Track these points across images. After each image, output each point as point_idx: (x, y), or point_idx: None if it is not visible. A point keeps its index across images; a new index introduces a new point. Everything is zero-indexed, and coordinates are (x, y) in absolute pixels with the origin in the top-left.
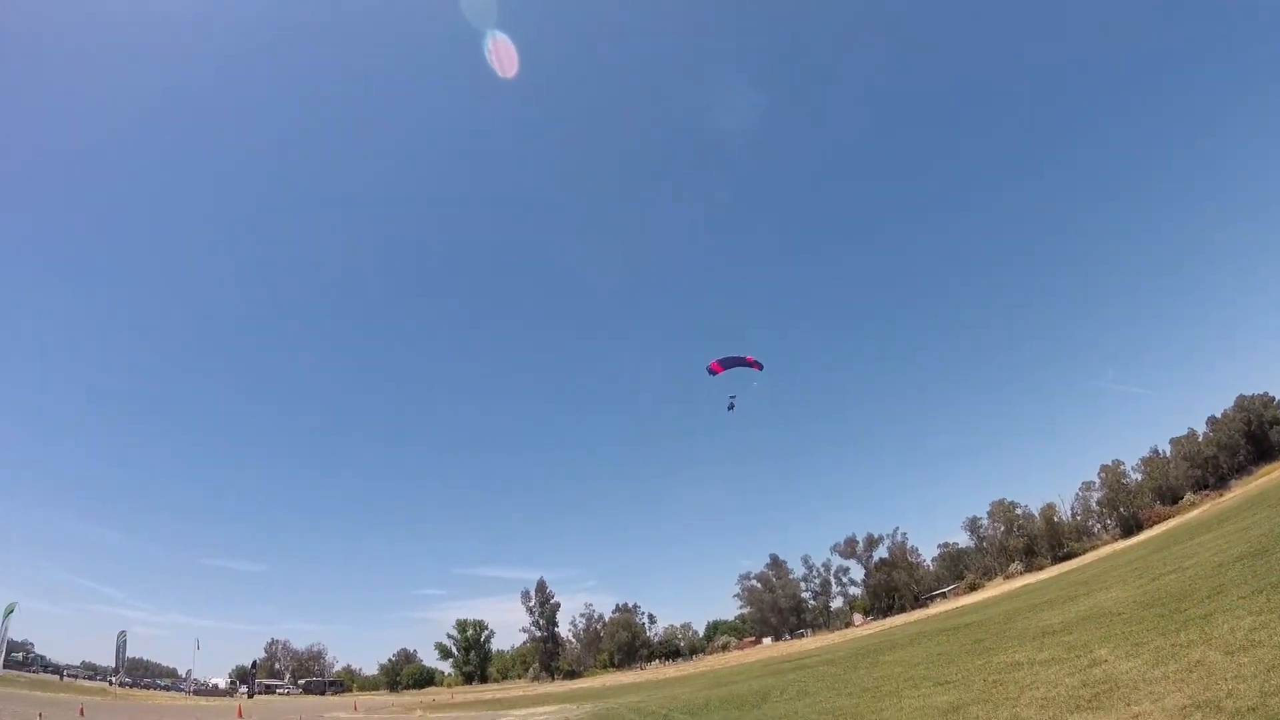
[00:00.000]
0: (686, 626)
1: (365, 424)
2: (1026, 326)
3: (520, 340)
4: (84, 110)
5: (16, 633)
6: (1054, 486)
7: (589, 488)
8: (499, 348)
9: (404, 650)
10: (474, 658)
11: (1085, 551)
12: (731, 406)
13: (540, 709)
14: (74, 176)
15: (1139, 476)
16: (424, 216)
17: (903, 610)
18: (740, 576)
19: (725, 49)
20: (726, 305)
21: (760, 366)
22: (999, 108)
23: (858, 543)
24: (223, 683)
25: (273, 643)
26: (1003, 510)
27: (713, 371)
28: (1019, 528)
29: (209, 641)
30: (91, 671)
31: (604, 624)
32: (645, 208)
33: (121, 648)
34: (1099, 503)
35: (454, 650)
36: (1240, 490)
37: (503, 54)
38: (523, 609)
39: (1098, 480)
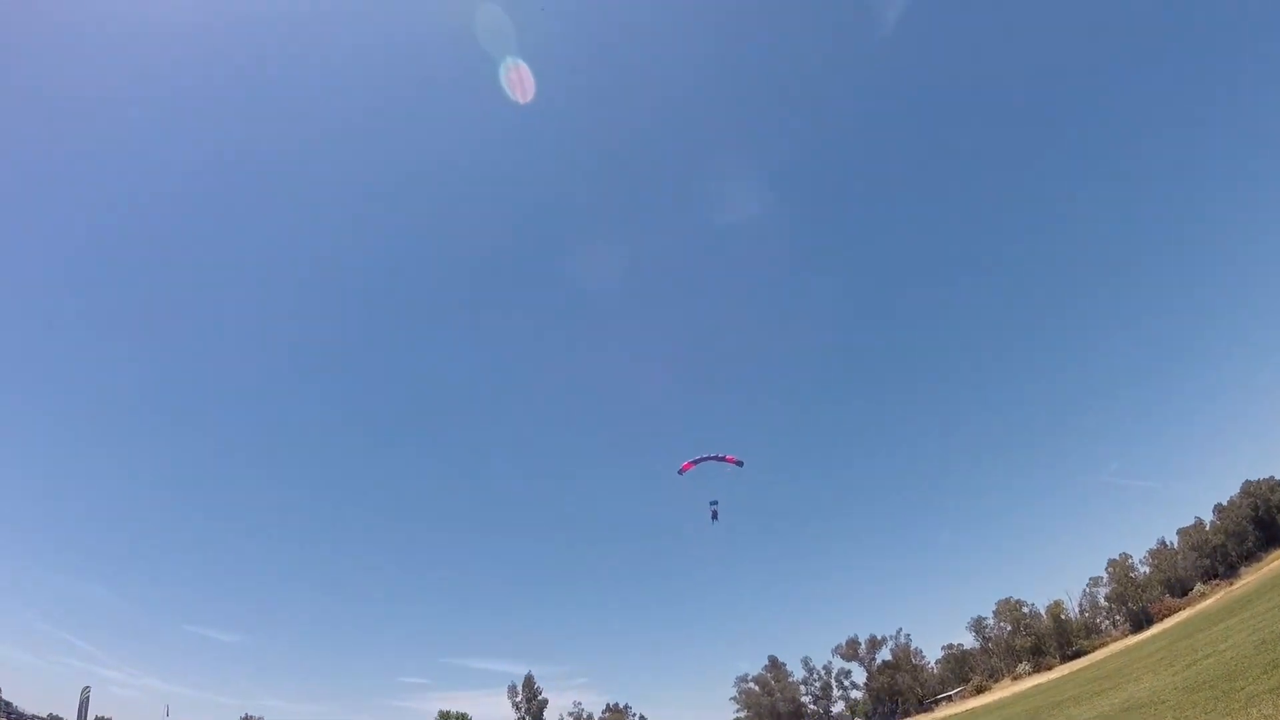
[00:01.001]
0: None
1: (359, 504)
2: (1027, 421)
3: (519, 430)
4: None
5: None
6: (1060, 583)
7: (583, 582)
8: (498, 434)
9: None
10: None
11: (1095, 649)
12: (715, 515)
13: None
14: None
15: (1147, 569)
16: (420, 301)
17: (907, 714)
18: (737, 679)
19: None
20: (722, 398)
21: (740, 463)
22: (994, 203)
23: (860, 644)
24: None
25: (247, 718)
26: (1009, 609)
27: (681, 471)
28: (1026, 627)
29: (182, 710)
30: None
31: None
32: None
33: (84, 704)
34: (1107, 598)
35: None
36: (1252, 577)
37: (520, 80)
38: (509, 704)
39: (1105, 575)
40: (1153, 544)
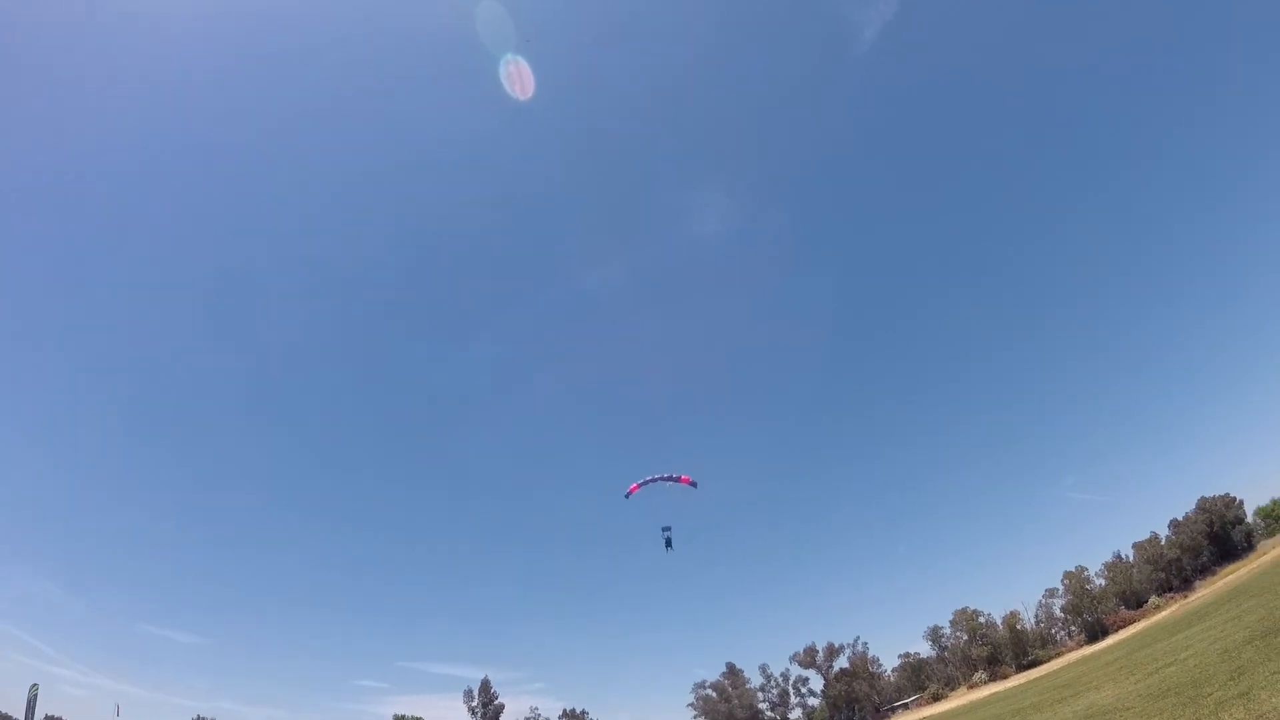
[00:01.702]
0: None
1: (316, 507)
2: (985, 435)
3: (479, 435)
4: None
5: None
6: (1017, 594)
7: (540, 587)
8: (458, 439)
9: None
10: None
11: (1051, 658)
12: (669, 543)
13: None
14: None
15: (1103, 581)
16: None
17: None
18: (695, 685)
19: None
20: (686, 408)
21: (694, 484)
22: (963, 216)
23: (817, 652)
24: None
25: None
26: (965, 619)
27: (629, 494)
28: (982, 636)
29: (135, 711)
30: None
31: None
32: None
33: (32, 702)
34: (1063, 609)
35: None
36: (1207, 590)
37: (519, 77)
38: (465, 708)
39: (1061, 587)
40: (1108, 557)
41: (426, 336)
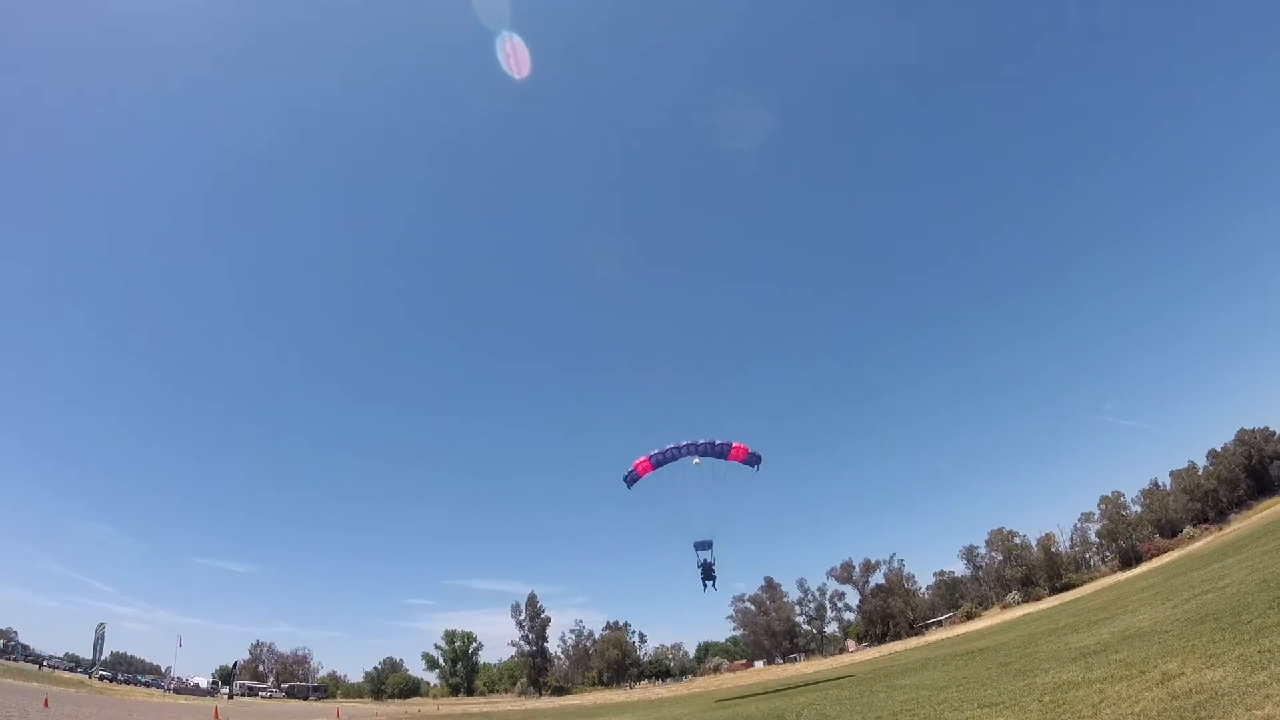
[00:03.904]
0: (677, 647)
1: (365, 433)
2: (1028, 356)
3: (524, 357)
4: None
5: (2, 620)
6: (1052, 517)
7: (583, 504)
8: (503, 363)
9: (390, 659)
10: (461, 670)
11: (1084, 583)
12: (708, 575)
13: None
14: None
15: (1138, 509)
16: (432, 226)
17: (898, 638)
18: (734, 598)
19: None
20: (725, 326)
21: (755, 461)
22: (1004, 150)
23: (854, 568)
24: (204, 682)
25: (258, 645)
26: (1001, 539)
27: (633, 477)
28: (1017, 558)
29: (196, 640)
30: (73, 663)
31: (594, 641)
32: (653, 220)
33: (100, 640)
34: (1098, 534)
35: (441, 661)
36: (1243, 524)
37: (516, 55)
38: (512, 623)
39: (1097, 512)
40: (1145, 484)
41: (465, 238)
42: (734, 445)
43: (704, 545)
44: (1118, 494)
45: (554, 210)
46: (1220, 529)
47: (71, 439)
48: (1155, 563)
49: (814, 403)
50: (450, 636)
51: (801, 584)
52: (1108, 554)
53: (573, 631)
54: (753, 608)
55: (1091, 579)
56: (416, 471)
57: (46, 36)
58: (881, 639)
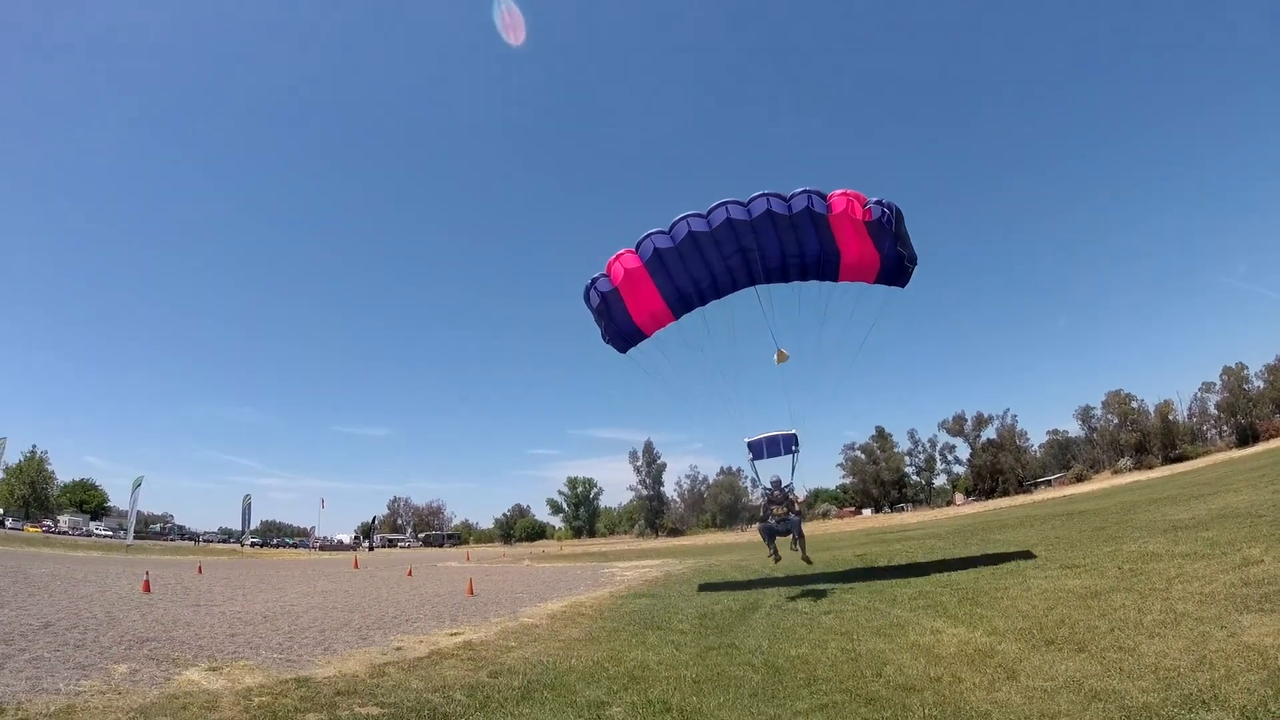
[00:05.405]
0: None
1: (489, 286)
2: (1155, 204)
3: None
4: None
5: (159, 506)
6: (1170, 384)
7: (697, 352)
8: (606, 215)
9: (518, 505)
10: (583, 513)
11: (1198, 455)
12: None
13: (644, 562)
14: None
15: (1261, 384)
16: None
17: (1005, 494)
18: (844, 446)
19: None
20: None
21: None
22: None
23: (966, 421)
24: (347, 538)
25: (395, 500)
26: (1118, 402)
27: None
28: (1132, 423)
29: (338, 502)
30: (226, 535)
31: (708, 486)
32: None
33: (247, 510)
34: (1217, 406)
35: (564, 506)
36: None
37: (512, 22)
38: (630, 469)
39: (1219, 383)
40: (1271, 359)
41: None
42: (846, 258)
43: (774, 446)
44: (1241, 366)
45: None
46: None
47: (205, 328)
48: (1272, 444)
49: (930, 247)
50: (572, 483)
51: (912, 435)
52: (1225, 429)
53: (688, 477)
54: (863, 456)
55: (1206, 452)
56: (535, 323)
57: None
58: (989, 494)
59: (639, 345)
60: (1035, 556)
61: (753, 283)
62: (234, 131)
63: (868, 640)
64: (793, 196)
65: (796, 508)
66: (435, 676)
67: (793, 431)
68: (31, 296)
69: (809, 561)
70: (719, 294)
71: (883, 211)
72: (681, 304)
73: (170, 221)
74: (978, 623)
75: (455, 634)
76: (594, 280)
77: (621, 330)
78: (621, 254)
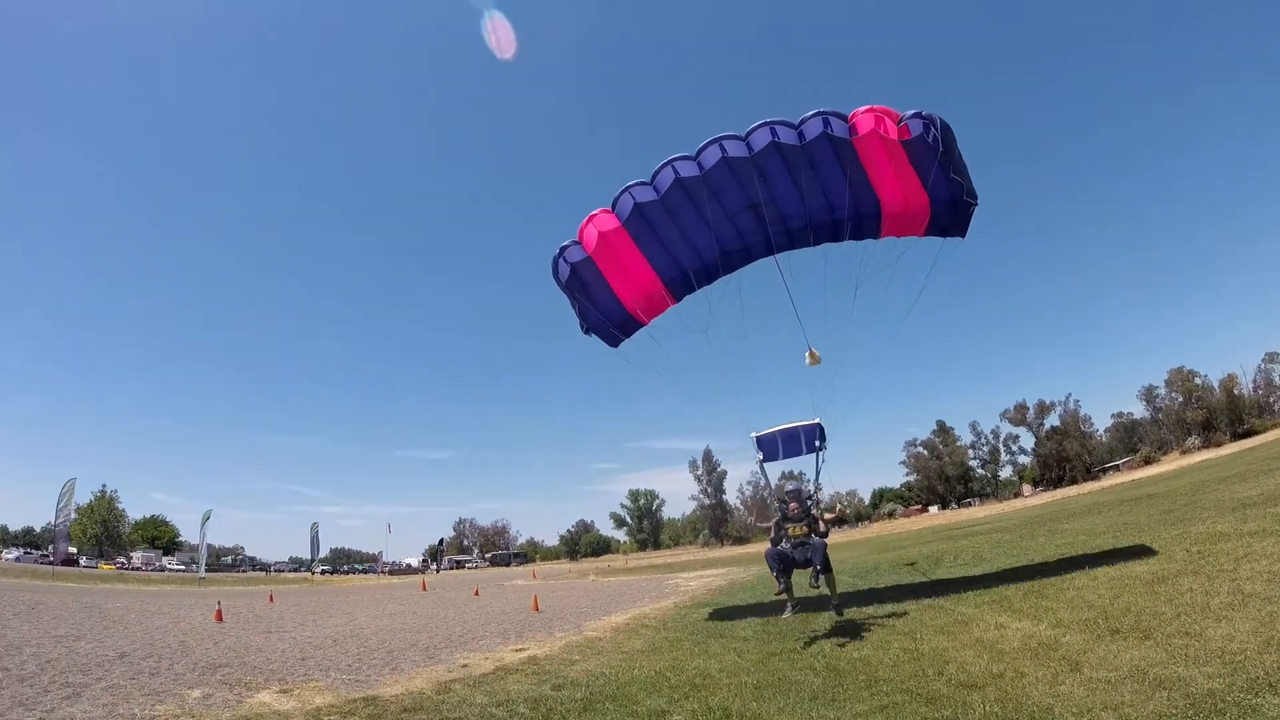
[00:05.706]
0: (852, 493)
1: (540, 308)
2: (1211, 168)
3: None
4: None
5: (229, 539)
6: (1235, 357)
7: (752, 353)
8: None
9: (582, 521)
10: (646, 526)
11: (1267, 429)
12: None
13: (708, 572)
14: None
15: None
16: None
17: (1074, 482)
18: (906, 443)
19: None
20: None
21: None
22: None
23: (1028, 409)
24: (415, 561)
25: (460, 521)
26: (1181, 379)
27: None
28: (1197, 399)
29: (404, 526)
30: (296, 564)
31: (771, 492)
32: None
33: (315, 539)
34: None
35: (628, 519)
36: None
37: (501, 35)
38: (691, 478)
39: None
40: None
41: None
42: (889, 205)
43: (792, 442)
44: None
45: None
46: None
47: (267, 366)
48: None
49: (981, 234)
50: (634, 495)
51: (974, 427)
52: None
53: (749, 483)
54: (925, 452)
55: (1275, 425)
56: (595, 341)
57: None
58: (1057, 483)
59: (633, 337)
60: (1102, 543)
61: (771, 252)
62: (302, 157)
63: (930, 639)
64: (804, 121)
65: (822, 527)
66: (499, 691)
67: (816, 421)
68: (94, 340)
69: (839, 613)
70: (730, 267)
71: (925, 126)
72: (681, 280)
73: (227, 255)
74: (1042, 615)
75: (520, 649)
76: (562, 249)
77: (607, 315)
78: (595, 214)
